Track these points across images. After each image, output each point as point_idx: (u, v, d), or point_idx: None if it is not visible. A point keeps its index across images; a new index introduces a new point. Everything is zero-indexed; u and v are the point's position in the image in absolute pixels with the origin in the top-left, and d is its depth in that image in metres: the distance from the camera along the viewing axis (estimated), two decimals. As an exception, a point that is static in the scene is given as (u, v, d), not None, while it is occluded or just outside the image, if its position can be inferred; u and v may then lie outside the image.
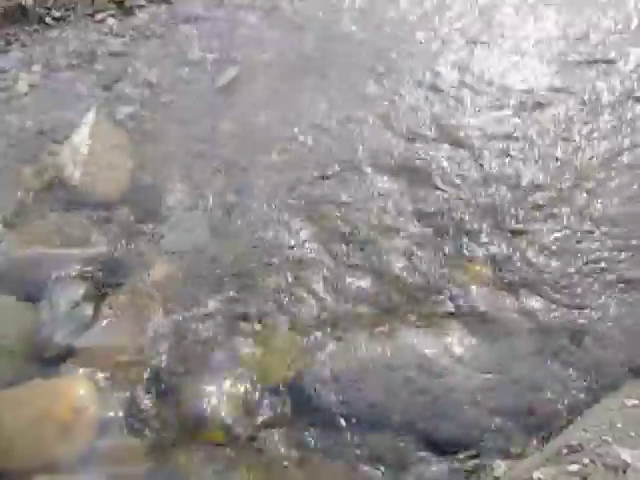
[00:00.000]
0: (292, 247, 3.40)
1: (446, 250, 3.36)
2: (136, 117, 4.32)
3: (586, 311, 3.02)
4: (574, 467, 2.05)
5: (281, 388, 2.77)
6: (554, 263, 3.25)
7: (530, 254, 3.30)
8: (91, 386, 2.77)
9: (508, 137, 4.05)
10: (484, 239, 3.40)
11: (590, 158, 3.86)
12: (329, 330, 2.99)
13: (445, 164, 3.87)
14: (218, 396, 2.74)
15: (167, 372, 2.84)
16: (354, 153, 3.98)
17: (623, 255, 3.26)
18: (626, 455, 2.04)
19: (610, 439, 2.16)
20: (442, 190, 3.70)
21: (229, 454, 2.56)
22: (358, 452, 2.56)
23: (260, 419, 2.68)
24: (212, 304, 3.12)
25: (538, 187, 3.69)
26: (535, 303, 3.07)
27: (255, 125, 4.24)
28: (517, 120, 4.19)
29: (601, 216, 3.48)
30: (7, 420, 2.62)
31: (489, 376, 2.77)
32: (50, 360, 2.88)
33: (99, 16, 5.37)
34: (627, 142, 3.94)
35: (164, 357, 2.91)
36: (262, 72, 4.74)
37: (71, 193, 3.71)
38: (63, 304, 3.09)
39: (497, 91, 4.46)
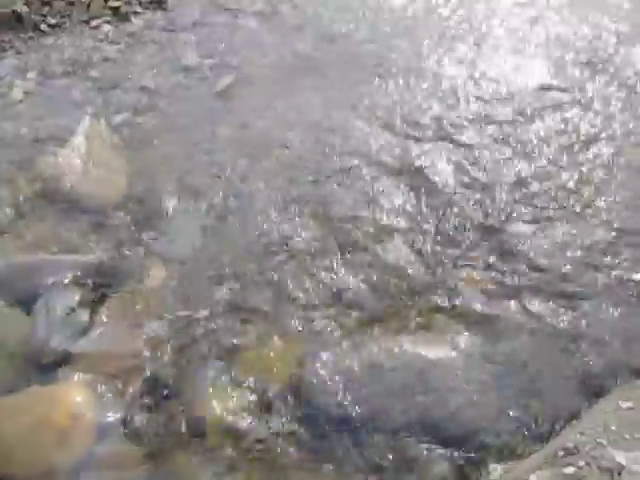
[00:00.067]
0: (290, 251, 3.41)
1: (445, 251, 3.38)
2: (132, 123, 4.33)
3: (583, 313, 3.04)
4: (570, 470, 2.06)
5: (280, 391, 2.78)
6: (552, 265, 3.27)
7: (528, 256, 3.32)
8: (88, 392, 2.76)
9: (507, 138, 4.10)
10: (482, 241, 3.42)
11: (592, 161, 3.89)
12: (328, 332, 3.01)
13: (444, 165, 3.90)
14: (216, 400, 2.74)
15: (164, 377, 2.84)
16: (352, 155, 4.01)
17: (621, 257, 3.29)
18: (621, 457, 2.05)
19: (605, 442, 2.17)
20: (441, 191, 3.73)
21: (228, 457, 2.57)
22: (356, 454, 2.57)
23: (259, 422, 2.68)
24: (209, 308, 3.12)
25: (537, 188, 3.72)
26: (533, 305, 3.09)
27: (253, 130, 4.26)
28: (517, 121, 4.24)
29: (600, 217, 3.51)
30: (5, 427, 2.61)
31: (486, 378, 2.79)
32: (47, 366, 2.88)
33: (94, 23, 5.38)
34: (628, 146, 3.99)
35: (161, 362, 2.91)
36: (260, 76, 4.77)
37: (67, 199, 3.71)
38: (59, 310, 3.09)
39: (497, 92, 4.51)
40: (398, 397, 2.72)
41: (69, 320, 3.07)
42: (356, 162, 3.96)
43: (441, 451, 2.56)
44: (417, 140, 4.09)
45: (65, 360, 2.91)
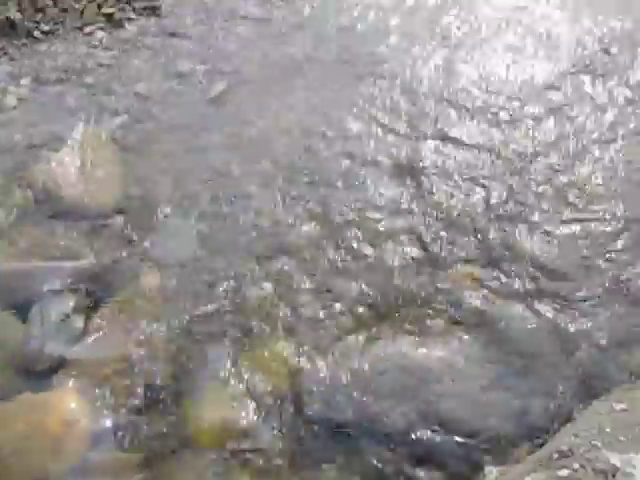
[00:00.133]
0: (284, 255, 3.41)
1: (443, 252, 3.39)
2: (126, 129, 4.32)
3: (578, 315, 3.04)
4: (564, 472, 2.06)
5: (277, 394, 2.78)
6: (552, 266, 3.28)
7: (528, 257, 3.33)
8: (82, 398, 2.76)
9: (507, 138, 4.11)
10: (482, 241, 3.43)
11: (593, 161, 3.91)
12: (323, 337, 3.01)
13: (443, 165, 3.91)
14: (212, 405, 2.74)
15: (159, 382, 2.84)
16: (349, 157, 4.02)
17: (620, 259, 3.30)
18: (615, 459, 2.05)
19: (599, 444, 2.17)
20: (439, 191, 3.74)
21: (224, 463, 2.56)
22: (352, 459, 2.57)
23: (256, 427, 2.68)
24: (204, 314, 3.12)
25: (537, 189, 3.73)
26: (533, 306, 3.09)
27: (248, 134, 4.26)
28: (517, 120, 4.25)
29: (601, 217, 3.53)
30: (-2, 434, 2.61)
31: (481, 381, 2.79)
32: (41, 373, 2.87)
33: (88, 29, 5.37)
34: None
35: (155, 368, 2.90)
36: (254, 82, 4.76)
37: (61, 205, 3.70)
38: (53, 316, 3.09)
39: (496, 92, 4.53)
40: (390, 402, 2.71)
41: (64, 326, 3.06)
42: (353, 164, 3.97)
43: (437, 454, 2.56)
44: (412, 143, 4.10)
45: (60, 366, 2.90)
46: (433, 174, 3.85)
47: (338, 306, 3.15)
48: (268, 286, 3.26)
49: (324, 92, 4.61)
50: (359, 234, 3.51)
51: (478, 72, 4.73)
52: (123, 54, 5.13)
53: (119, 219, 3.67)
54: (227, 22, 5.50)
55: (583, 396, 2.71)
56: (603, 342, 2.92)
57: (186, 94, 4.69)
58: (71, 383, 2.83)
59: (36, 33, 5.25)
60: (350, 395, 2.75)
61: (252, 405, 2.75)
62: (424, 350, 2.91)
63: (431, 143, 4.09)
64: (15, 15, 5.20)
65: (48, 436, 2.58)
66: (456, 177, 3.83)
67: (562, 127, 4.18)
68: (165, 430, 2.67)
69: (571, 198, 3.67)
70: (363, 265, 3.34)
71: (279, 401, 2.76)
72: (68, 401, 2.74)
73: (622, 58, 4.80)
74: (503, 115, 4.31)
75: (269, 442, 2.63)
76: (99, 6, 5.53)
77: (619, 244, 3.38)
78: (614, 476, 1.98)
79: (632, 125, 4.17)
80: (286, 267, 3.35)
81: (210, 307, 3.16)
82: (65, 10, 5.43)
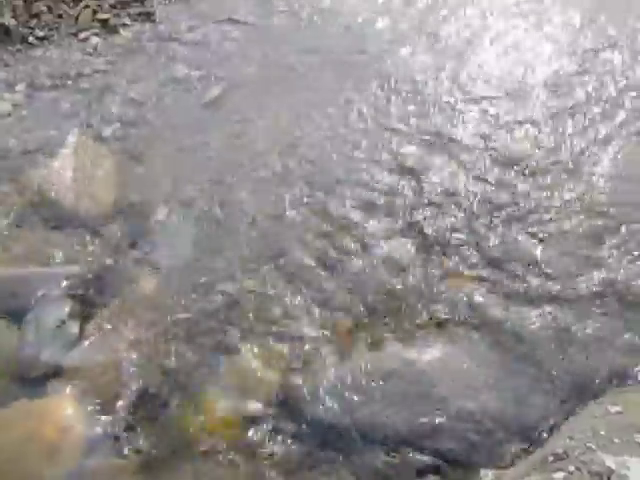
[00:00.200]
0: (280, 260, 3.41)
1: (443, 255, 3.39)
2: (121, 135, 4.33)
3: (578, 315, 3.04)
4: (560, 475, 2.07)
5: (272, 399, 2.78)
6: (552, 268, 3.28)
7: (528, 259, 3.33)
8: (78, 405, 2.75)
9: (507, 137, 4.12)
10: (481, 243, 3.43)
11: (594, 161, 3.91)
12: (320, 341, 3.01)
13: (439, 166, 3.92)
14: (207, 409, 2.74)
15: (155, 388, 2.83)
16: (346, 159, 4.03)
17: (619, 261, 3.31)
18: (610, 462, 2.06)
19: (594, 446, 2.18)
20: (438, 193, 3.74)
21: (220, 468, 2.55)
22: (348, 462, 2.57)
23: (251, 431, 2.68)
24: (200, 320, 3.12)
25: (535, 191, 3.74)
26: (526, 312, 3.09)
27: (242, 140, 4.27)
28: (515, 121, 4.26)
29: (601, 218, 3.53)
30: (-6, 441, 2.60)
31: (477, 385, 2.79)
32: (36, 379, 2.87)
33: (83, 35, 5.39)
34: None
35: (151, 373, 2.90)
36: (248, 87, 4.78)
37: (56, 211, 3.71)
38: (49, 322, 3.08)
39: (496, 92, 4.55)
40: (386, 407, 2.72)
41: (59, 332, 3.06)
42: (349, 164, 3.98)
43: (434, 457, 2.56)
44: (409, 147, 4.10)
45: (55, 373, 2.89)
46: (432, 174, 3.86)
47: (337, 308, 3.15)
48: (264, 288, 3.26)
49: (318, 95, 4.63)
50: (357, 235, 3.52)
51: (477, 72, 4.74)
52: (118, 60, 5.14)
53: (114, 224, 3.67)
54: (222, 27, 5.52)
55: (582, 398, 2.71)
56: (603, 343, 2.93)
57: (181, 99, 4.70)
58: (67, 389, 2.83)
59: (31, 39, 5.26)
60: (350, 398, 2.74)
61: (249, 408, 2.75)
62: (423, 352, 2.91)
63: (430, 143, 4.10)
64: (10, 21, 5.21)
65: (44, 442, 2.57)
66: (456, 177, 3.84)
67: (562, 127, 4.19)
68: (161, 435, 2.67)
69: (572, 199, 3.67)
70: (362, 266, 3.35)
71: (277, 404, 2.76)
72: (64, 407, 2.73)
73: (622, 58, 4.83)
74: (501, 114, 4.32)
75: (267, 446, 2.63)
76: (94, 12, 5.56)
77: (619, 244, 3.38)
78: (609, 478, 2.00)
79: (633, 126, 4.19)
80: (283, 269, 3.35)
81: (205, 312, 3.16)
82: (60, 16, 5.45)
